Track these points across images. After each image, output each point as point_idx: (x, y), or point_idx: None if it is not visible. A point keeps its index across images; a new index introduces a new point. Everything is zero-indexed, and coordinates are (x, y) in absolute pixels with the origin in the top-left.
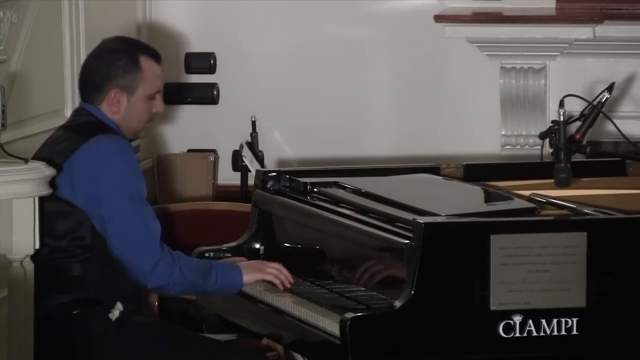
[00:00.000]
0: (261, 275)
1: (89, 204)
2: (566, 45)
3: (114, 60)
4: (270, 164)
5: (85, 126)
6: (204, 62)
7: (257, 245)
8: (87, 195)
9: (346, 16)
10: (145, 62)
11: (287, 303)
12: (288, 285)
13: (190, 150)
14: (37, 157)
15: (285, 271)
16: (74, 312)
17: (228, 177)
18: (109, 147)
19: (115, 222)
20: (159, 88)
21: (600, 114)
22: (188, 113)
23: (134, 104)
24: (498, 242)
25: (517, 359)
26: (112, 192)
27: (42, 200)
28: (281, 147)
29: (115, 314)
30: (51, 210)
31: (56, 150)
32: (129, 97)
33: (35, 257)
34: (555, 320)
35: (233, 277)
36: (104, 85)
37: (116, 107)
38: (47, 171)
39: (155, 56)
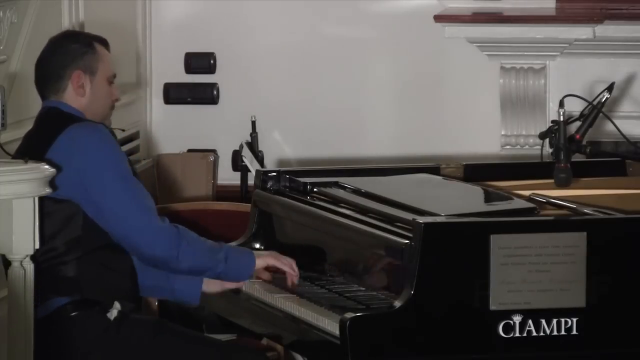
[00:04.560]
0: (275, 261)
1: (77, 194)
2: (566, 45)
3: (69, 45)
4: (270, 164)
5: (53, 122)
6: (204, 62)
7: (257, 245)
8: (72, 183)
9: (346, 16)
10: (97, 46)
11: (287, 303)
12: (295, 281)
13: (190, 150)
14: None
15: (296, 269)
16: (73, 314)
17: (228, 177)
18: (82, 132)
19: (108, 203)
20: (114, 72)
21: (600, 114)
22: (188, 113)
23: (96, 86)
24: (498, 242)
25: (517, 359)
26: (96, 174)
27: (42, 200)
28: (281, 147)
29: (113, 313)
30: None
31: (31, 151)
32: (92, 79)
33: (35, 257)
34: (555, 320)
35: (245, 258)
36: (65, 71)
37: (81, 89)
38: (47, 171)
39: (104, 43)
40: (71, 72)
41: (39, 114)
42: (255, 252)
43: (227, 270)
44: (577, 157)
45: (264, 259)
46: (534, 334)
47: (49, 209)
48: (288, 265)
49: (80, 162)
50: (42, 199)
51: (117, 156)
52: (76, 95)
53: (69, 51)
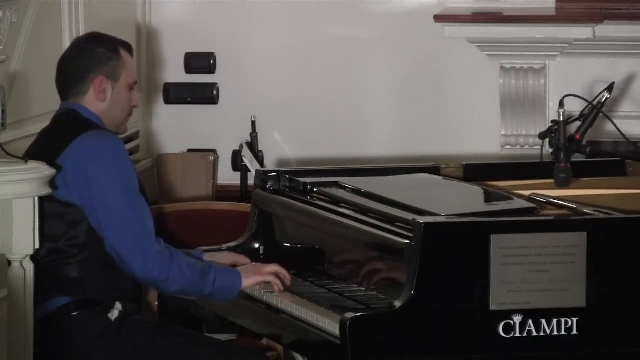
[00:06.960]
0: (260, 278)
1: (84, 200)
2: (566, 45)
3: (94, 49)
4: (270, 164)
5: (70, 125)
6: (204, 62)
7: (257, 245)
8: (81, 191)
9: (346, 16)
10: (122, 51)
11: (287, 303)
12: (288, 284)
13: (190, 150)
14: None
15: (283, 270)
16: (74, 313)
17: (228, 177)
18: (97, 142)
19: (108, 215)
20: (136, 79)
21: (600, 114)
22: (188, 113)
23: (117, 92)
24: (498, 242)
25: (517, 359)
26: (104, 184)
27: (41, 200)
28: (281, 147)
29: (114, 314)
30: (46, 211)
31: (44, 152)
32: (114, 85)
33: (35, 257)
34: (555, 320)
35: (232, 279)
36: (88, 74)
37: (102, 95)
38: (47, 171)
39: (129, 48)
40: (95, 76)
41: (57, 113)
42: (240, 269)
43: (214, 293)
44: (577, 157)
45: (251, 279)
46: (534, 334)
47: (57, 210)
48: (273, 276)
49: (91, 172)
50: (50, 200)
51: (128, 172)
52: (97, 100)
53: (95, 55)
